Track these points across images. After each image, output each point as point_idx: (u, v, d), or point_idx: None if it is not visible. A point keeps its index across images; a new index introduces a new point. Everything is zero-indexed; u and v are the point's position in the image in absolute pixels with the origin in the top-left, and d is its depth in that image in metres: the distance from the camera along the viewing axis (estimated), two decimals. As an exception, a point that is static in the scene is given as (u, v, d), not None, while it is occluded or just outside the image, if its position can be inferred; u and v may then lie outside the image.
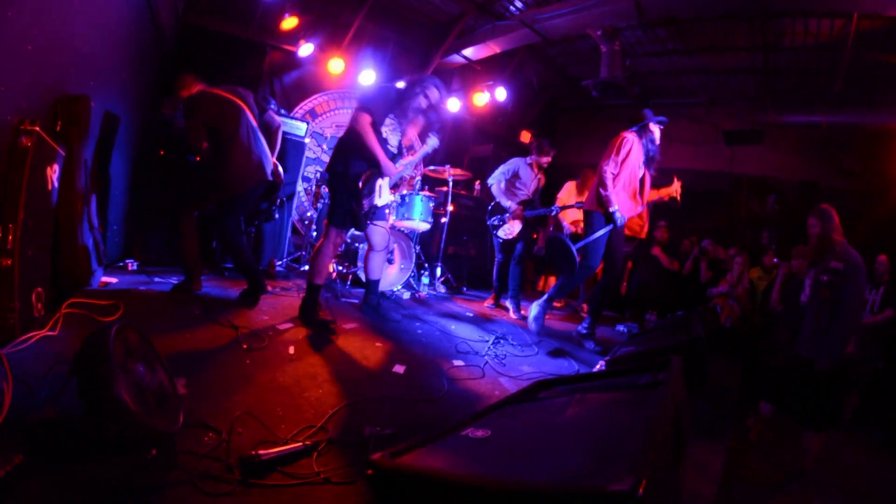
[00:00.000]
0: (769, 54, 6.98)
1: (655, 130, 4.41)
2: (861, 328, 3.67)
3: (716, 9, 5.93)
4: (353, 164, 3.57)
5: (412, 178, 5.71)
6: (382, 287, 5.05)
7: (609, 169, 4.21)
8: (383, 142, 3.65)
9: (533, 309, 4.59)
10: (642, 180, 4.47)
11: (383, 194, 3.80)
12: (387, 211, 4.66)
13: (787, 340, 4.78)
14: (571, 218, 6.31)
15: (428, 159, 7.51)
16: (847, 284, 3.41)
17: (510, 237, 5.72)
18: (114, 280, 3.79)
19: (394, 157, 3.79)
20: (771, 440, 4.10)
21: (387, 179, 3.76)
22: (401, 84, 3.83)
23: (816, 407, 3.50)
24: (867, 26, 5.61)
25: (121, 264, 4.34)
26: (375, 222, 4.04)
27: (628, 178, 4.37)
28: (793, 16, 5.95)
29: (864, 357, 5.65)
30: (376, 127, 3.55)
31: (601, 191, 4.22)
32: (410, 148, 7.85)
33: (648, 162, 4.42)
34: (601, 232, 4.29)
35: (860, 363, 4.88)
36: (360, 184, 3.57)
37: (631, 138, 4.28)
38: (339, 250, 4.20)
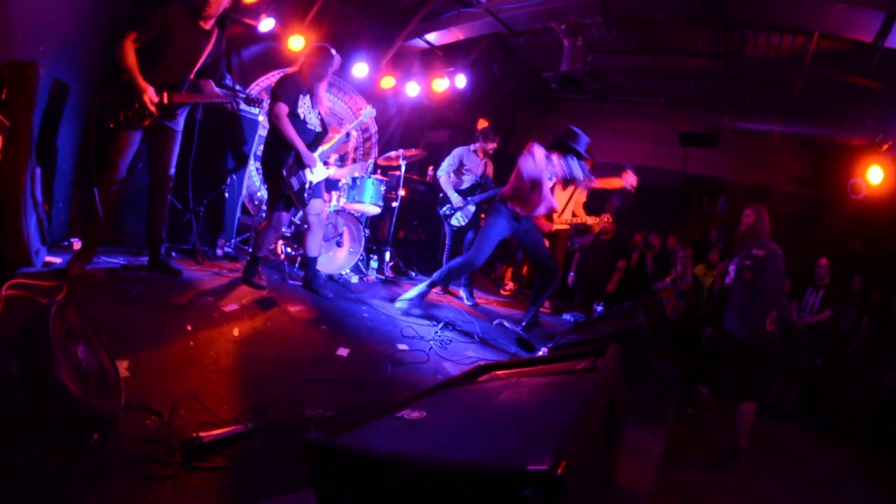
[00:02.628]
0: (730, 62, 7.18)
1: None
2: (781, 309, 4.16)
3: (679, 12, 6.07)
4: (276, 151, 3.86)
5: (355, 149, 5.63)
6: (331, 270, 5.08)
7: None
8: (302, 123, 3.92)
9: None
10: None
11: (316, 171, 4.01)
12: (336, 191, 4.64)
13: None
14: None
15: (382, 147, 7.49)
16: (766, 269, 3.83)
17: (462, 225, 5.79)
18: (58, 260, 3.54)
19: (318, 136, 4.05)
20: (710, 424, 4.36)
21: (317, 155, 4.02)
22: (301, 60, 4.04)
23: (736, 376, 3.89)
24: (827, 45, 5.80)
25: (66, 243, 4.14)
26: (312, 199, 4.08)
27: None
28: (756, 28, 6.14)
29: (804, 353, 6.04)
30: (294, 111, 3.83)
31: None
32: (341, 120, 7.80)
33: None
34: None
35: (781, 344, 5.20)
36: (284, 170, 3.82)
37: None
38: (282, 230, 4.28)
